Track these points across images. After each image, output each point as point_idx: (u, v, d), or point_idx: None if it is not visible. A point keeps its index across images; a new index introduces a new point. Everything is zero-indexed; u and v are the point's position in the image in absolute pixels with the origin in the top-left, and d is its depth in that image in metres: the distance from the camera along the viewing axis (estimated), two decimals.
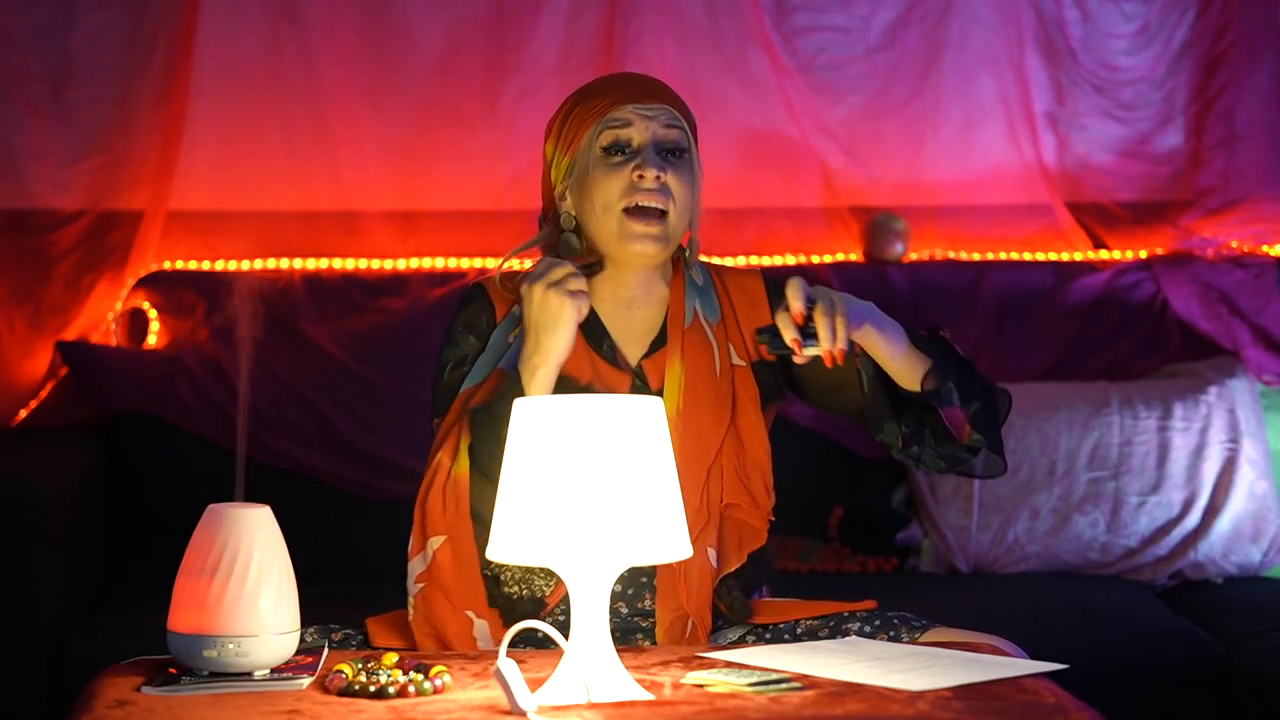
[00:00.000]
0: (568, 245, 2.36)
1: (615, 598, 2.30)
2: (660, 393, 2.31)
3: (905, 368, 2.23)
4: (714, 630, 2.34)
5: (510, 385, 2.24)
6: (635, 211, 2.30)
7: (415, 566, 2.27)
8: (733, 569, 2.33)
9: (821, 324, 2.13)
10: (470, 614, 2.26)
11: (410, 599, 2.28)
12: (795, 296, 2.14)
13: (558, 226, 2.37)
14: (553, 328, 2.22)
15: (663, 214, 2.30)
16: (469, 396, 2.31)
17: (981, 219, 4.02)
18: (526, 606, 2.29)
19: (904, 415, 2.27)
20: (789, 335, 2.14)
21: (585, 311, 2.24)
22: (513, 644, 2.17)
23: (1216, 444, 3.59)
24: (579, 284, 2.24)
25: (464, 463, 2.25)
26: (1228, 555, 3.55)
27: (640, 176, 2.29)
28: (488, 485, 2.18)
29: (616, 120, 2.31)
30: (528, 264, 2.43)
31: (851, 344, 2.19)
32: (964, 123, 3.99)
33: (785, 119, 3.94)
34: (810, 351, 2.15)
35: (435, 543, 2.26)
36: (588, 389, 2.31)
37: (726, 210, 3.90)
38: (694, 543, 2.25)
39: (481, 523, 2.22)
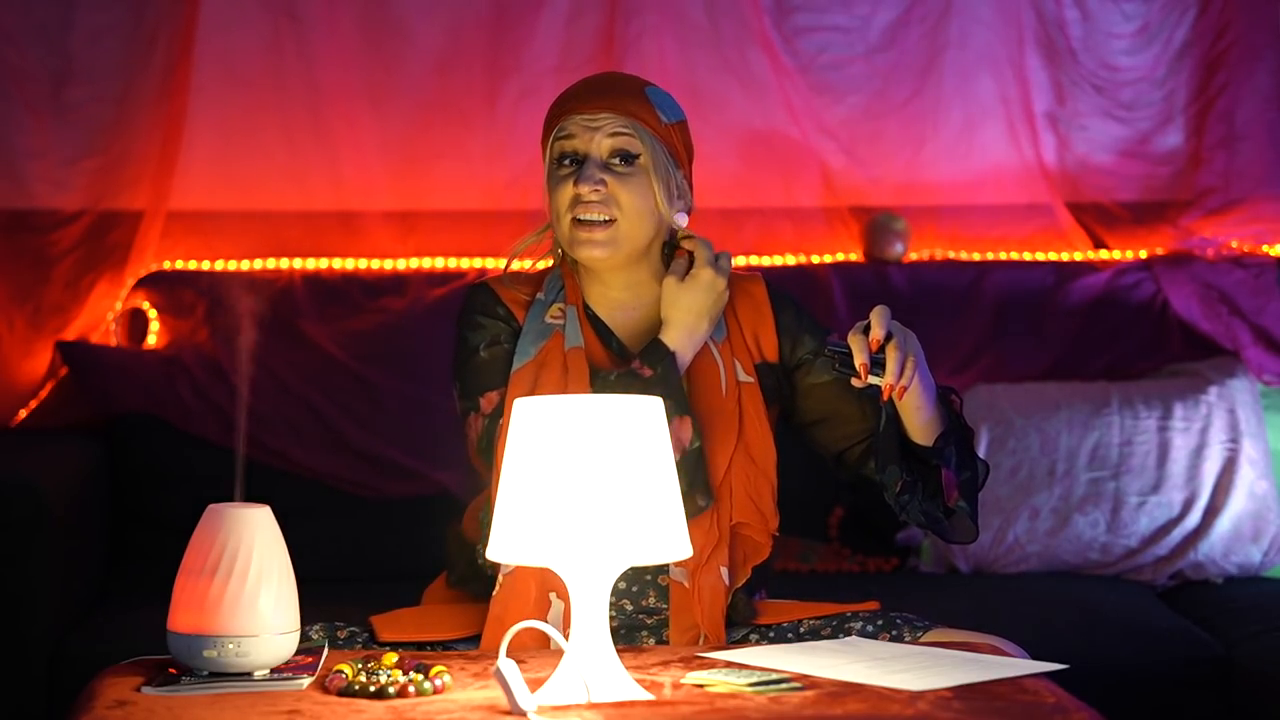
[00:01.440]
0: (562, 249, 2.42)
1: (619, 595, 2.30)
2: None
3: (927, 422, 2.26)
4: None
5: (660, 357, 2.29)
6: (580, 221, 2.34)
7: None
8: (739, 585, 2.34)
9: (893, 357, 2.15)
10: (552, 595, 2.26)
11: (500, 575, 2.27)
12: (879, 324, 2.16)
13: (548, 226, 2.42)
14: (716, 321, 2.36)
15: (608, 221, 2.33)
16: (531, 373, 2.31)
17: (981, 219, 4.02)
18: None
19: (905, 464, 2.29)
20: (860, 359, 2.16)
21: None
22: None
23: (1216, 444, 3.59)
24: None
25: None
26: (1228, 555, 3.55)
27: (579, 192, 2.33)
28: None
29: (563, 132, 2.36)
30: (527, 263, 2.46)
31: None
32: (964, 123, 3.99)
33: (785, 119, 3.94)
34: (874, 380, 2.17)
35: None
36: None
37: (726, 210, 3.90)
38: (706, 564, 2.27)
39: None
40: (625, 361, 2.36)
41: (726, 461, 2.32)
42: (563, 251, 2.42)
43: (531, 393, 2.28)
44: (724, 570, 2.30)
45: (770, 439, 2.37)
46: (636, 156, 2.34)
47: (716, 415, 2.33)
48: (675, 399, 2.26)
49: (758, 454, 2.35)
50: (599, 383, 2.29)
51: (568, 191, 2.34)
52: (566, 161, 2.35)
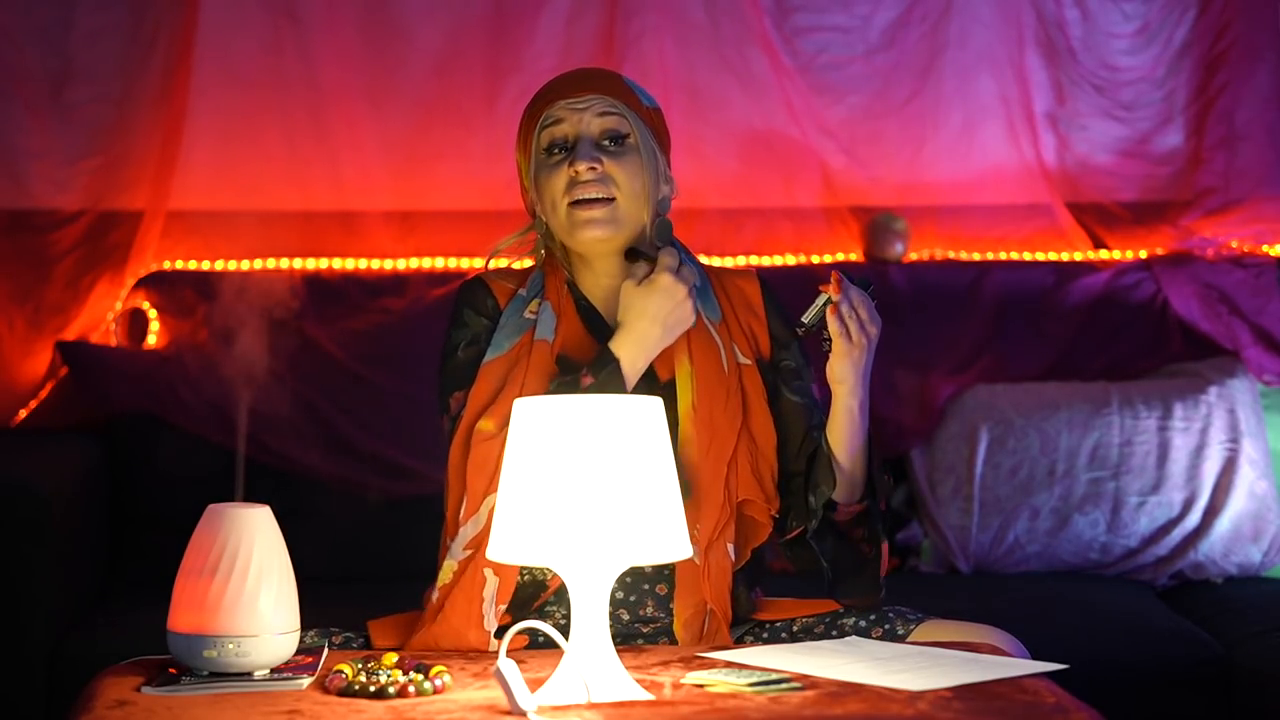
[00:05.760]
0: (547, 247, 2.40)
1: (617, 604, 2.30)
2: (671, 382, 2.33)
3: (847, 446, 2.32)
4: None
5: (604, 365, 2.26)
6: (579, 202, 2.33)
7: (467, 532, 2.25)
8: (742, 565, 2.35)
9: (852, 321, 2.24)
10: (486, 571, 2.24)
11: (454, 563, 2.26)
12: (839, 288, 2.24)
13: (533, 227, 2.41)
14: (674, 331, 2.30)
15: (608, 200, 2.32)
16: (503, 367, 2.31)
17: (981, 219, 4.02)
18: (529, 589, 2.29)
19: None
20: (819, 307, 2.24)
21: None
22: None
23: (1216, 444, 3.59)
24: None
25: None
26: (1228, 555, 3.55)
27: (575, 172, 2.32)
28: None
29: (550, 119, 2.35)
30: (509, 262, 2.46)
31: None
32: (964, 123, 3.99)
33: (785, 119, 3.94)
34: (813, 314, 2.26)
35: (492, 499, 2.20)
36: None
37: (726, 210, 3.90)
38: (716, 540, 2.28)
39: None
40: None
41: (734, 438, 2.32)
42: (546, 249, 2.41)
43: (499, 388, 2.29)
44: (730, 547, 2.31)
45: (770, 422, 2.37)
46: (626, 136, 2.35)
47: (721, 393, 2.33)
48: None
49: (760, 435, 2.35)
50: (550, 389, 2.29)
51: (562, 177, 2.33)
52: (556, 150, 2.35)
